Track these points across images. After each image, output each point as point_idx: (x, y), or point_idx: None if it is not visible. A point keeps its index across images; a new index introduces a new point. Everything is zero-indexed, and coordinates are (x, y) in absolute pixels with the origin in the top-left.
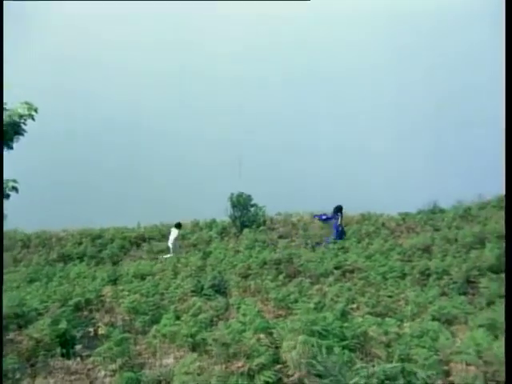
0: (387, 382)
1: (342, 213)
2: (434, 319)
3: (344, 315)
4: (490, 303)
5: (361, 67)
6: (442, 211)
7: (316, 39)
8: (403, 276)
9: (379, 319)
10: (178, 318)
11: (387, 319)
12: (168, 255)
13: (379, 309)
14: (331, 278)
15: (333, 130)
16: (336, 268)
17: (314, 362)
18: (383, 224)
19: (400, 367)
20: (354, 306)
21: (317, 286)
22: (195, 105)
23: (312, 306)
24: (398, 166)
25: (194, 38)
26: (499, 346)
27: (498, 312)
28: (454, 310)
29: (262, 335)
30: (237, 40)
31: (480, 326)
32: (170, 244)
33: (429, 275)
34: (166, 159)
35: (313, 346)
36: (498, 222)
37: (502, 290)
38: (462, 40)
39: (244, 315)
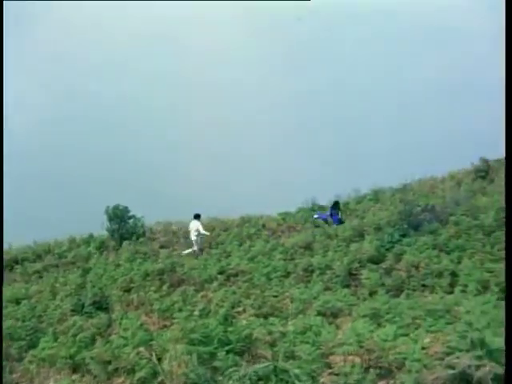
0: (260, 382)
1: (339, 207)
2: (319, 314)
3: (228, 319)
4: (372, 293)
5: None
6: (321, 208)
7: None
8: (287, 275)
9: (263, 320)
10: (57, 339)
11: (271, 319)
12: (189, 250)
13: (265, 309)
14: (215, 284)
15: (207, 133)
16: (220, 273)
17: (186, 370)
18: (264, 225)
19: (272, 366)
20: (240, 309)
21: (201, 293)
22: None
23: (197, 313)
24: (276, 167)
25: None
26: (380, 334)
27: (381, 301)
28: (338, 303)
29: (142, 348)
30: None
31: (364, 316)
32: (192, 237)
33: (312, 271)
34: (35, 174)
35: (190, 354)
36: (376, 215)
37: (383, 280)
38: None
39: (125, 330)
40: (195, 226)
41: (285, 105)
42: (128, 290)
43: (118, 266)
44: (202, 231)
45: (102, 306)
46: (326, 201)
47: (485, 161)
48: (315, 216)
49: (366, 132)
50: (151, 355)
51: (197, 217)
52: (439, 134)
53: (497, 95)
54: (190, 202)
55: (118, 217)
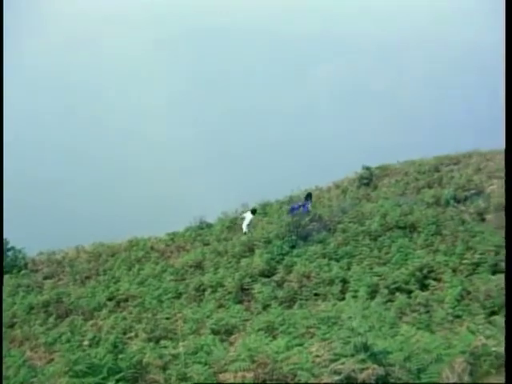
0: None
1: (311, 198)
2: (213, 333)
3: (118, 346)
4: (265, 307)
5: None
6: (209, 225)
7: None
8: (179, 295)
9: (153, 344)
10: None
11: (162, 342)
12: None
13: (158, 332)
14: (105, 311)
15: (90, 152)
16: (109, 299)
17: None
18: (152, 247)
19: None
20: (132, 334)
21: (91, 322)
22: None
23: (86, 342)
24: (161, 186)
25: None
26: (273, 347)
27: (274, 314)
28: (232, 319)
29: None
30: None
31: (258, 330)
32: (244, 228)
33: (204, 290)
34: None
35: None
36: (264, 228)
37: (276, 292)
38: None
39: (8, 368)
40: (249, 218)
41: (169, 121)
42: (11, 326)
43: None
44: (248, 223)
45: None
46: (213, 218)
47: (367, 168)
48: (293, 206)
49: (252, 145)
50: None
51: (254, 211)
52: (325, 142)
53: (385, 102)
54: (73, 228)
55: None
